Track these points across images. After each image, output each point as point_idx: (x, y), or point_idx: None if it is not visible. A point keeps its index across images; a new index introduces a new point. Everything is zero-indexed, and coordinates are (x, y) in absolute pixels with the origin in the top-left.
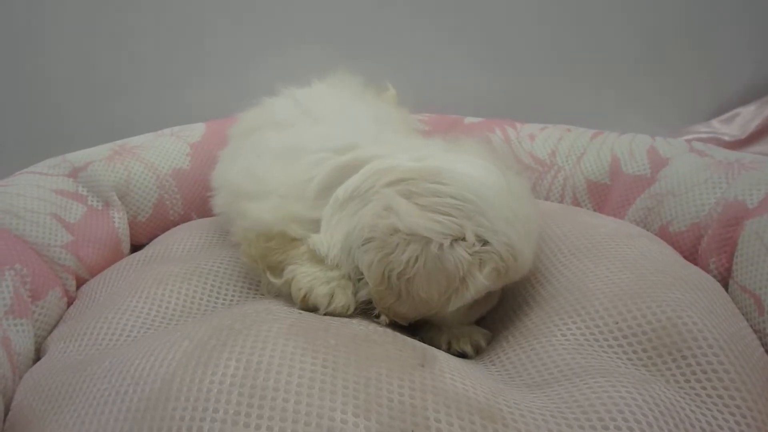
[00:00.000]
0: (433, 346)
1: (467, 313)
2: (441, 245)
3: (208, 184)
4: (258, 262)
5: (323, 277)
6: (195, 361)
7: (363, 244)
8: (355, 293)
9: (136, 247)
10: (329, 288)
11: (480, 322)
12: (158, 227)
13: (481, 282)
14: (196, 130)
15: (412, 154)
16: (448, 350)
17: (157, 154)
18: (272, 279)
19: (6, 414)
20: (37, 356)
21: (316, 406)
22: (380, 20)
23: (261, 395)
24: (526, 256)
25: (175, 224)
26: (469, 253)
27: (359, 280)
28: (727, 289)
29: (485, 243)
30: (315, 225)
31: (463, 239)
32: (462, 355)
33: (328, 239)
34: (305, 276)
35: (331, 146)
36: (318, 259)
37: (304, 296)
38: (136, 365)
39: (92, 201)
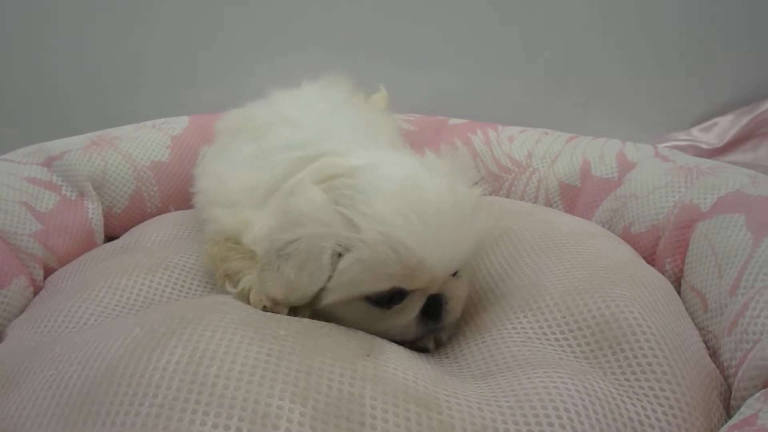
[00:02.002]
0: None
1: (371, 320)
2: (315, 237)
3: (188, 177)
4: (217, 263)
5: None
6: (142, 348)
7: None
8: None
9: (110, 239)
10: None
11: None
12: (135, 219)
13: (343, 268)
14: (179, 123)
15: (364, 154)
16: (411, 346)
17: (136, 145)
18: (229, 288)
19: None
20: None
21: (254, 392)
22: (373, 25)
23: (202, 382)
24: (423, 255)
25: (152, 216)
26: (336, 241)
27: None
28: (679, 290)
29: (358, 231)
30: None
31: (358, 236)
32: (423, 349)
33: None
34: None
35: (289, 144)
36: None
37: (264, 308)
38: (84, 351)
39: (66, 191)
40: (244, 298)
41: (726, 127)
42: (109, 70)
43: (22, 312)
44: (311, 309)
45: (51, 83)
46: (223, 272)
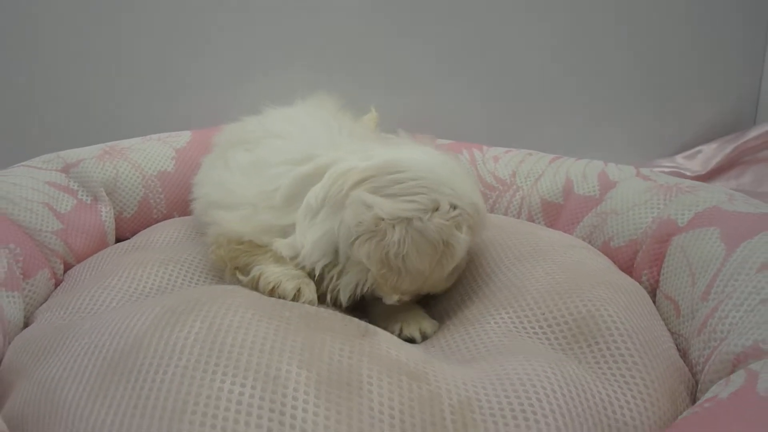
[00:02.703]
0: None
1: (449, 277)
2: (421, 219)
3: (190, 186)
4: (227, 262)
5: (289, 274)
6: (165, 322)
7: (355, 241)
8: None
9: (120, 241)
10: (296, 283)
11: (427, 312)
12: (142, 224)
13: (463, 240)
14: (182, 137)
15: (360, 155)
16: (400, 335)
17: (144, 156)
18: (240, 277)
19: None
20: (26, 326)
21: (265, 359)
22: (363, 46)
23: (219, 350)
24: (484, 210)
25: (158, 222)
26: (445, 219)
27: (329, 271)
28: (654, 299)
29: (455, 207)
30: (282, 232)
31: (437, 209)
32: (410, 340)
33: (299, 241)
34: (273, 273)
35: (291, 158)
36: (282, 261)
37: (272, 288)
38: (113, 326)
39: (82, 195)
40: (254, 284)
41: (710, 154)
42: (105, 81)
43: (45, 301)
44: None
45: (56, 97)
46: (233, 267)
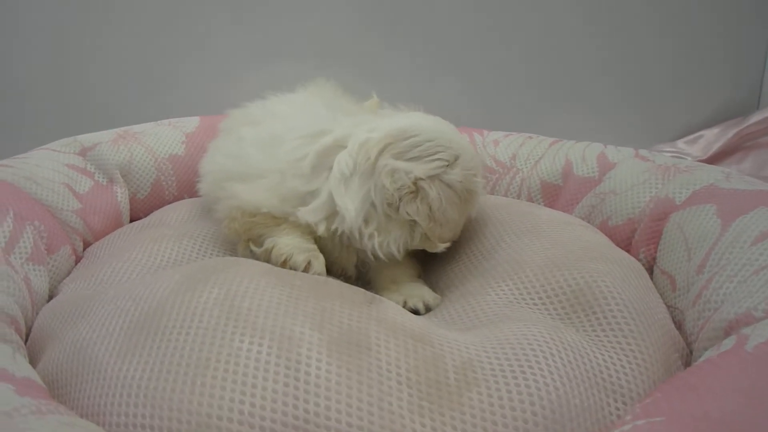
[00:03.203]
0: None
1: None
2: (447, 173)
3: (199, 170)
4: (241, 234)
5: (301, 247)
6: (185, 288)
7: (399, 203)
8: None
9: (134, 221)
10: (306, 256)
11: (429, 287)
12: (155, 205)
13: (480, 188)
14: (192, 122)
15: (365, 126)
16: (404, 308)
17: (156, 140)
18: (253, 248)
19: (26, 340)
20: (50, 299)
21: (280, 321)
22: (364, 33)
23: (237, 312)
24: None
25: (170, 203)
26: (466, 171)
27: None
28: (651, 275)
29: (467, 159)
30: (303, 199)
31: (455, 164)
32: (414, 312)
33: (340, 205)
34: (286, 245)
35: (306, 133)
36: (296, 232)
37: (284, 260)
38: (137, 292)
39: (98, 177)
40: (267, 256)
41: (711, 139)
42: (117, 71)
43: (67, 276)
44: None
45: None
46: (246, 239)
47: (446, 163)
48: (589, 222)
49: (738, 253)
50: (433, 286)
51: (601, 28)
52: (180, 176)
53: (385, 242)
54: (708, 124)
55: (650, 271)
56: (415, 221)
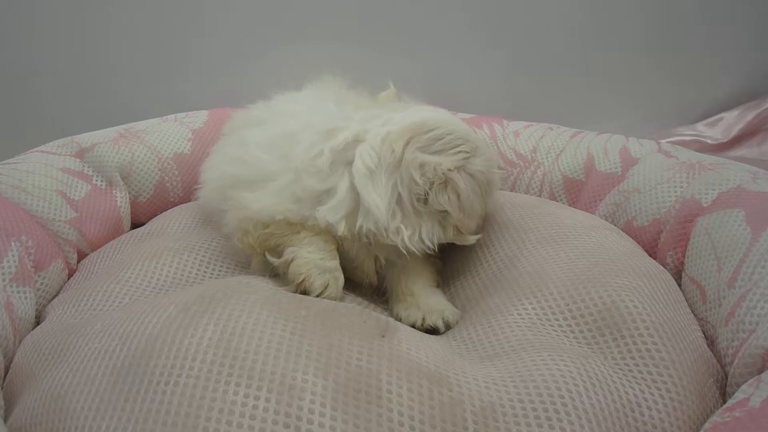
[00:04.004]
0: (409, 321)
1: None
2: (470, 165)
3: (200, 175)
4: (255, 248)
5: (321, 267)
6: (177, 324)
7: (427, 196)
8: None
9: (136, 226)
10: (325, 279)
11: (451, 302)
12: (158, 208)
13: (498, 178)
14: (200, 117)
15: (378, 121)
16: (422, 325)
17: (161, 138)
18: (270, 258)
19: (6, 372)
20: (37, 322)
21: (281, 367)
22: (381, 20)
23: (233, 356)
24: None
25: (175, 205)
26: (485, 161)
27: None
28: (680, 281)
29: (484, 153)
30: (319, 199)
31: (474, 155)
32: (433, 330)
33: (368, 202)
34: (305, 263)
35: (319, 129)
36: (323, 236)
37: (301, 281)
38: (124, 327)
39: (96, 180)
40: (286, 267)
41: (731, 122)
42: (119, 63)
43: (58, 293)
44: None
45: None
46: (263, 250)
47: (468, 155)
48: (613, 222)
49: None
50: (452, 299)
51: (619, 8)
52: (186, 177)
53: (416, 236)
54: (727, 106)
55: (678, 276)
56: (442, 214)
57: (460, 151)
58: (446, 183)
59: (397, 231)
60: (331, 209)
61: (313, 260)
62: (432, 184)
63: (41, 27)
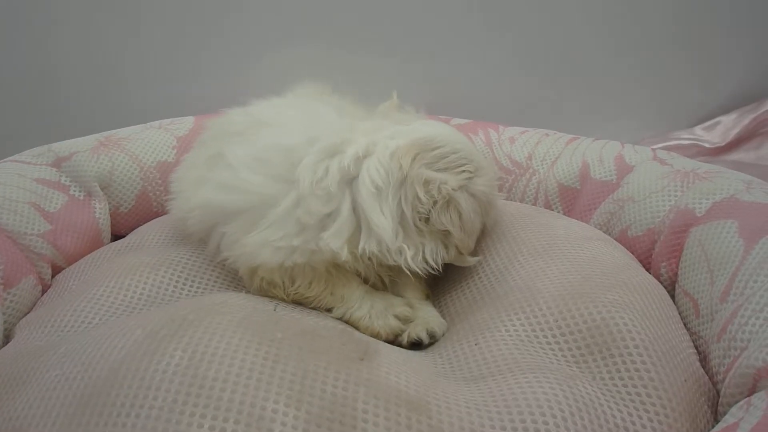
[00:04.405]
0: None
1: None
2: (473, 185)
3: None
4: (276, 291)
5: (381, 314)
6: (143, 350)
7: (430, 212)
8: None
9: (117, 238)
10: (392, 321)
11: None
12: (141, 218)
13: (497, 198)
14: (185, 124)
15: (384, 133)
16: (408, 338)
17: (143, 146)
18: (325, 312)
19: None
20: (6, 341)
21: (250, 396)
22: (377, 25)
23: (200, 384)
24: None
25: (159, 215)
26: (488, 182)
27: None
28: (673, 294)
29: (488, 171)
30: (322, 224)
31: (478, 175)
32: (418, 343)
33: (380, 227)
34: (370, 324)
35: (324, 145)
36: (341, 269)
37: (378, 333)
38: (88, 352)
39: (74, 191)
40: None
41: (729, 125)
42: (105, 67)
43: (30, 309)
44: None
45: (57, 82)
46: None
47: (471, 175)
48: (608, 231)
49: (763, 281)
50: (442, 312)
51: (617, 12)
52: (170, 186)
53: (419, 256)
54: (725, 110)
55: (672, 287)
56: (444, 233)
57: (464, 170)
58: (449, 202)
59: (400, 251)
60: (334, 234)
61: (369, 314)
62: (435, 202)
63: (15, 31)
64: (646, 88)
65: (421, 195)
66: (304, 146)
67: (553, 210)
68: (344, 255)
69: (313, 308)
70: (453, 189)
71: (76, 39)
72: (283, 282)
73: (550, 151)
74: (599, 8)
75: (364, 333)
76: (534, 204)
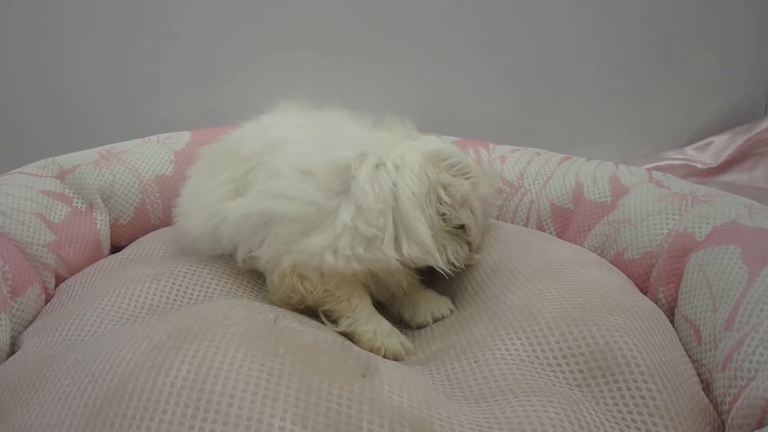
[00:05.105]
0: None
1: None
2: (479, 189)
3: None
4: (307, 300)
5: (386, 332)
6: (151, 362)
7: (452, 208)
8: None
9: (116, 249)
10: (396, 341)
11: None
12: (139, 230)
13: (496, 200)
14: (182, 138)
15: (405, 146)
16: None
17: (142, 159)
18: (328, 323)
19: None
20: (12, 350)
21: (257, 412)
22: (370, 37)
23: (208, 399)
24: None
25: (155, 228)
26: (488, 186)
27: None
28: (673, 318)
29: (487, 179)
30: (378, 233)
31: (480, 183)
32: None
33: (419, 228)
34: (373, 337)
35: (375, 160)
36: (357, 285)
37: (382, 352)
38: (97, 363)
39: (77, 203)
40: (349, 336)
41: (722, 146)
42: (100, 78)
43: (35, 318)
44: None
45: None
46: (310, 304)
47: (476, 180)
48: (602, 253)
49: None
50: (437, 325)
51: (609, 31)
52: (167, 199)
53: (444, 255)
54: (717, 130)
55: (671, 313)
56: (457, 232)
57: (470, 176)
58: (464, 202)
59: (435, 252)
60: (388, 243)
61: (375, 330)
62: (453, 202)
63: (20, 46)
64: (637, 108)
65: (443, 197)
66: (355, 160)
67: (545, 231)
68: (393, 263)
69: (324, 311)
70: (466, 190)
71: (71, 57)
72: (316, 280)
73: (542, 171)
74: (591, 28)
75: (364, 346)
76: (526, 224)
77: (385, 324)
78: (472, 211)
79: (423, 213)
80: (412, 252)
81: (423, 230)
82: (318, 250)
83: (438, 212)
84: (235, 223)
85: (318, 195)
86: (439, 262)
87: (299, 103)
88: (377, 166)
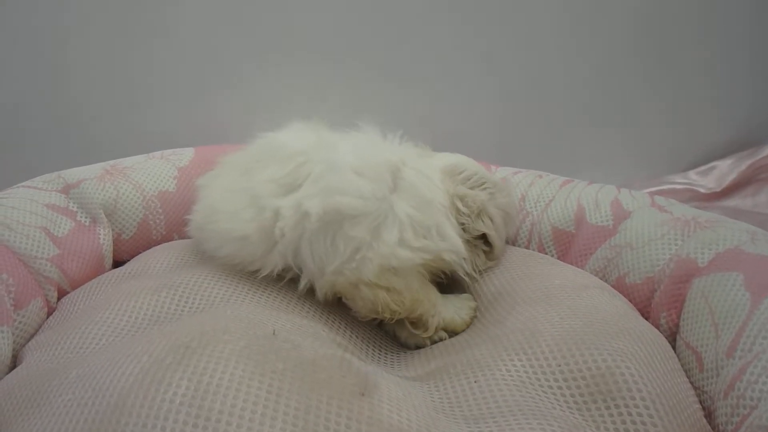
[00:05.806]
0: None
1: None
2: (496, 198)
3: (191, 206)
4: (401, 313)
5: (455, 307)
6: (150, 378)
7: (470, 218)
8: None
9: (117, 263)
10: (471, 312)
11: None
12: (141, 246)
13: (515, 211)
14: (185, 155)
15: (428, 161)
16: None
17: (146, 175)
18: (421, 334)
19: None
20: (14, 364)
21: (256, 430)
22: (369, 55)
23: (207, 416)
24: None
25: (157, 243)
26: (504, 196)
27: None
28: (674, 344)
29: (503, 189)
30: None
31: (497, 193)
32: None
33: (452, 235)
34: (452, 319)
35: (396, 157)
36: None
37: (467, 324)
38: (98, 378)
39: (81, 217)
40: (437, 335)
41: (725, 171)
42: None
43: (36, 331)
44: None
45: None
46: (402, 317)
47: (493, 191)
48: (604, 276)
49: None
50: (437, 345)
51: (612, 55)
52: (170, 215)
53: (468, 262)
54: (720, 155)
55: (672, 339)
56: (476, 241)
57: (486, 188)
58: (482, 212)
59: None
60: (441, 231)
61: (457, 312)
62: (471, 213)
63: (25, 58)
64: (640, 131)
65: (461, 208)
66: (399, 162)
67: (546, 253)
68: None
69: (412, 320)
70: (482, 200)
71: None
72: (401, 287)
73: (544, 193)
74: (594, 50)
75: (459, 329)
76: (527, 246)
77: (450, 301)
78: (491, 220)
79: (450, 222)
80: (450, 258)
81: (454, 237)
82: (391, 249)
83: (459, 222)
84: (294, 221)
85: (378, 191)
86: (465, 268)
87: (315, 123)
88: (416, 171)
